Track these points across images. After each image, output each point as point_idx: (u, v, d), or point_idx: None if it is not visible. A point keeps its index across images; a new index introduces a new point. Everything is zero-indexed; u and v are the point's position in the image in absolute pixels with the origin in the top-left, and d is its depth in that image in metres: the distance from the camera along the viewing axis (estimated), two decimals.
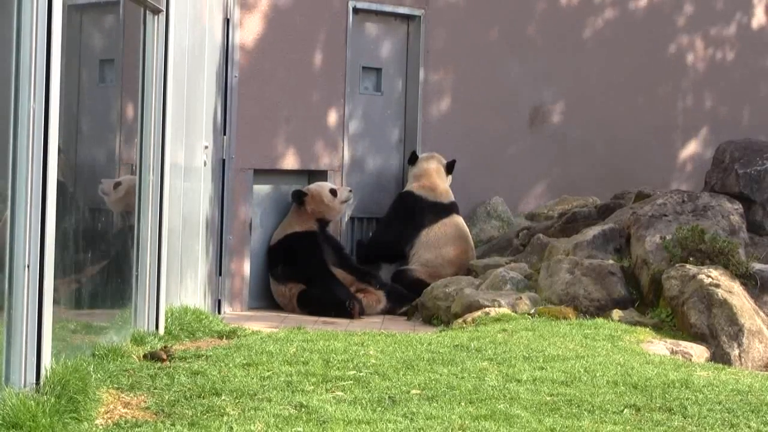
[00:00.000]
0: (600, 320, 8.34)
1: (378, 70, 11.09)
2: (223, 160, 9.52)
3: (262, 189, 10.32)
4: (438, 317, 9.35)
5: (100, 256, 6.54)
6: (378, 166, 11.13)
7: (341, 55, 10.60)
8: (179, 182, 7.81)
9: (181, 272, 7.99)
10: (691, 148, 12.78)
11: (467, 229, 10.98)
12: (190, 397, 5.47)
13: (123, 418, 5.07)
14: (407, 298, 10.16)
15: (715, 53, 12.89)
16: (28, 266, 4.90)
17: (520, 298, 8.88)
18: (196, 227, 8.50)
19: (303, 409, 5.30)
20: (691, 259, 8.85)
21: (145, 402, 5.37)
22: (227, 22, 9.57)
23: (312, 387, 5.79)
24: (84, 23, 6.37)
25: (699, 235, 8.90)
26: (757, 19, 13.16)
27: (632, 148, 12.37)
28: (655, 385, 6.13)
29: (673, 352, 7.78)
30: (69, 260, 5.76)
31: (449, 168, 11.04)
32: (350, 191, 10.39)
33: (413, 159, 10.93)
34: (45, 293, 4.96)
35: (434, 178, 10.91)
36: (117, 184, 6.84)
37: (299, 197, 10.17)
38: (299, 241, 10.17)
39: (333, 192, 10.27)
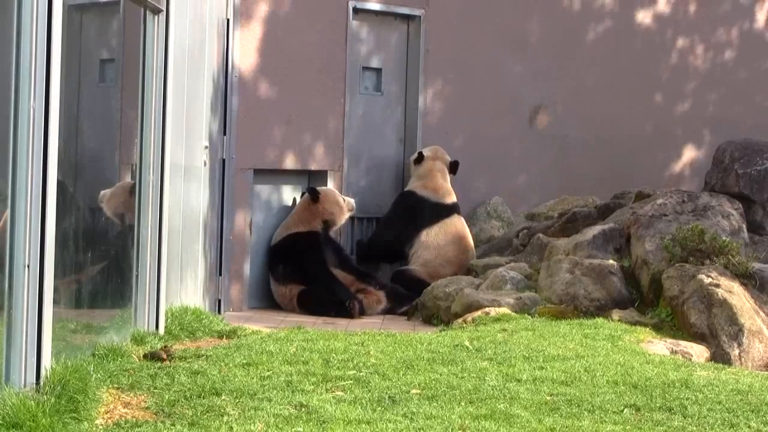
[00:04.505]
0: (600, 320, 8.34)
1: (378, 70, 11.09)
2: (223, 160, 9.52)
3: (262, 189, 10.32)
4: (438, 317, 9.35)
5: (100, 255, 6.54)
6: (378, 166, 11.13)
7: (341, 55, 10.60)
8: (179, 182, 7.81)
9: (181, 272, 7.99)
10: (691, 148, 12.78)
11: (467, 230, 10.98)
12: (190, 396, 5.47)
13: (123, 418, 5.07)
14: (407, 298, 10.16)
15: (716, 55, 12.89)
16: (28, 266, 4.90)
17: (520, 297, 8.88)
18: (196, 227, 8.50)
19: (303, 409, 5.30)
20: (691, 258, 8.85)
21: (145, 402, 5.37)
22: (227, 22, 9.57)
23: (312, 387, 5.79)
24: (84, 23, 6.37)
25: (699, 234, 8.90)
26: (758, 22, 13.15)
27: (632, 148, 12.37)
28: (655, 385, 6.13)
29: (673, 352, 7.77)
30: (69, 260, 5.76)
31: (453, 168, 11.05)
32: (354, 203, 10.44)
33: (419, 158, 10.93)
34: (45, 293, 4.95)
35: (438, 179, 10.92)
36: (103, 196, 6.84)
37: (315, 194, 10.19)
38: (301, 241, 10.17)
39: (341, 199, 10.35)
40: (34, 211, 4.92)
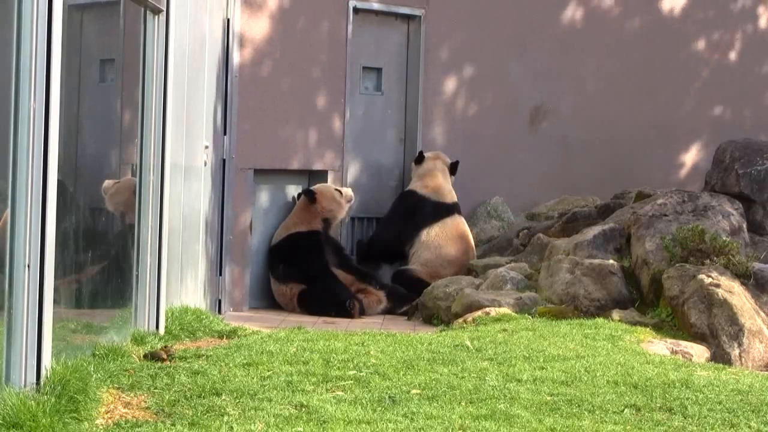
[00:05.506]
0: (600, 320, 8.34)
1: (378, 70, 11.09)
2: (224, 160, 9.53)
3: (262, 189, 10.32)
4: (438, 317, 9.35)
5: (101, 255, 6.54)
6: (378, 166, 11.14)
7: (342, 55, 10.60)
8: (179, 182, 7.81)
9: (182, 272, 7.99)
10: (691, 148, 12.78)
11: (468, 230, 10.98)
12: (191, 396, 5.47)
13: (123, 418, 5.07)
14: (407, 298, 10.16)
15: (717, 55, 12.88)
16: (28, 266, 4.90)
17: (520, 297, 8.88)
18: (196, 227, 8.50)
19: (303, 409, 5.30)
20: (691, 258, 8.85)
21: (146, 402, 5.37)
22: (227, 22, 9.57)
23: (312, 387, 5.79)
24: (84, 23, 6.37)
25: (699, 234, 8.90)
26: (760, 22, 13.14)
27: (632, 148, 12.36)
28: (655, 385, 6.13)
29: (673, 352, 7.78)
30: (69, 260, 5.76)
31: (452, 169, 11.05)
32: (352, 191, 10.44)
33: (420, 159, 10.94)
34: (45, 293, 4.95)
35: (439, 179, 10.93)
36: (107, 187, 6.84)
37: (312, 195, 10.19)
38: (301, 240, 10.18)
39: (338, 191, 10.33)
40: (34, 211, 4.92)
